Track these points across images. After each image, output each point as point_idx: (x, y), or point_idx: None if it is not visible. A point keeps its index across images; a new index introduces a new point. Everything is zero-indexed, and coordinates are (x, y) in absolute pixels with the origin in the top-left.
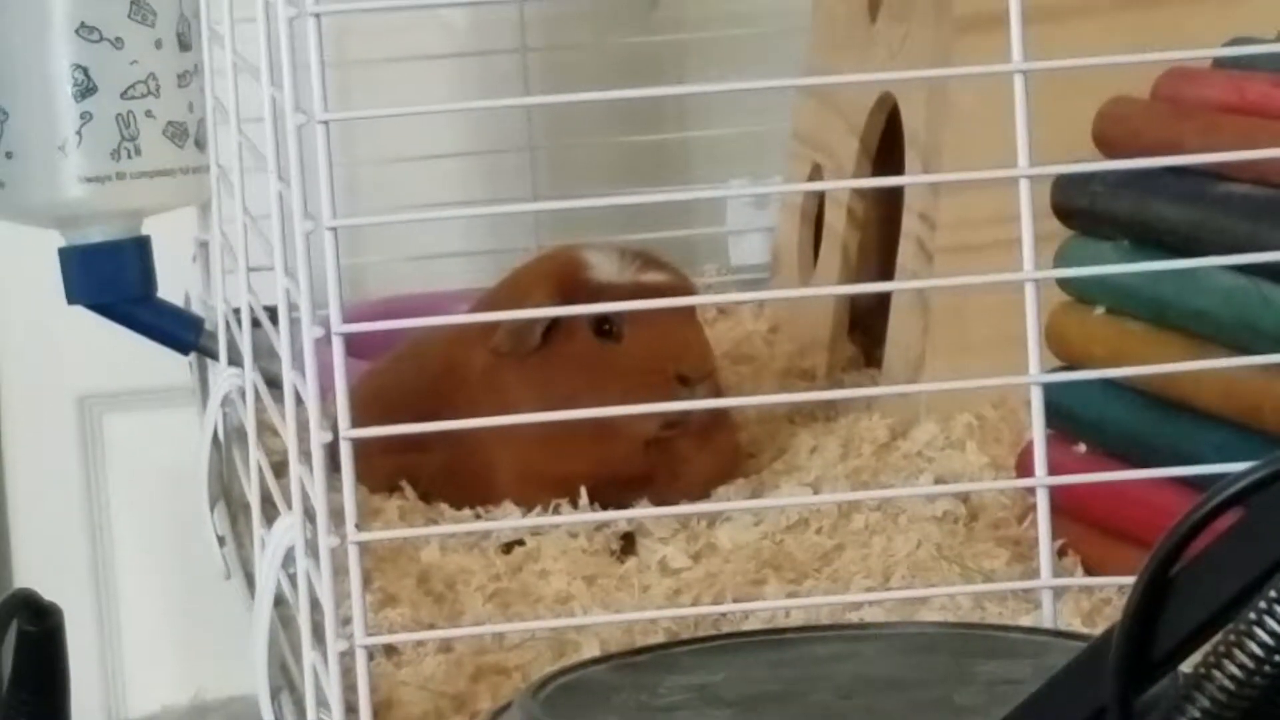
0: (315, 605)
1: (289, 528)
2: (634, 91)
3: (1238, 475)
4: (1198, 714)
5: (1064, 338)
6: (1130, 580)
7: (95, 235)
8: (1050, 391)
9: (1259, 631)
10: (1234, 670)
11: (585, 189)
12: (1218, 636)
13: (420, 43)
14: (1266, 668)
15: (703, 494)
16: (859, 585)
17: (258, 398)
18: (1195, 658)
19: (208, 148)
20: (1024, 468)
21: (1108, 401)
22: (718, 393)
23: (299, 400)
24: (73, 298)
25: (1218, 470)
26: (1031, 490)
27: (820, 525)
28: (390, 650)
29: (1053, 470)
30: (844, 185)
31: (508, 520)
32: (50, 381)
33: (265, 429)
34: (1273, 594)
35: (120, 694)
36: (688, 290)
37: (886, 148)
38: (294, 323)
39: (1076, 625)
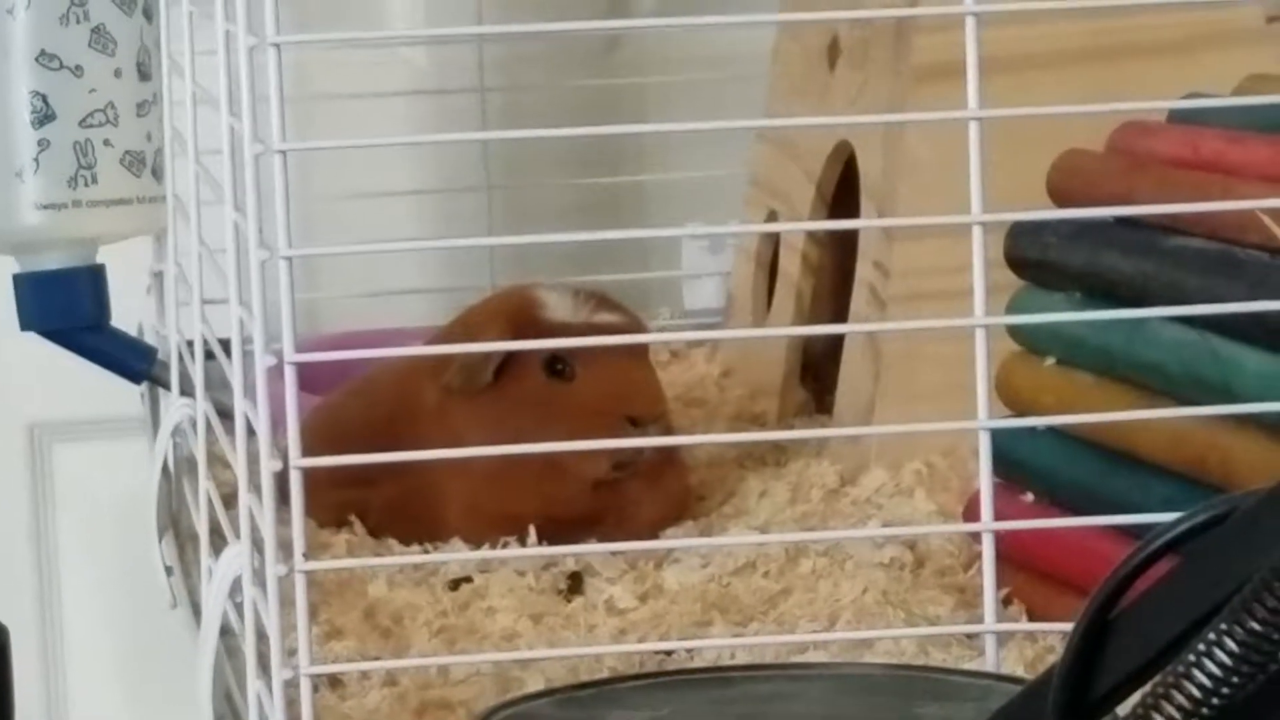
0: (261, 635)
1: (236, 556)
2: (591, 130)
3: (1174, 522)
4: None
5: (1014, 387)
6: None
7: (50, 262)
8: (998, 441)
9: (1196, 674)
10: (1171, 713)
11: (541, 230)
12: (1155, 679)
13: (381, 80)
14: (1203, 710)
15: (651, 536)
16: (805, 629)
17: (209, 428)
18: (1133, 700)
19: (165, 178)
20: (971, 515)
21: (1056, 451)
22: (668, 435)
23: (250, 430)
24: (26, 324)
25: (1161, 519)
26: (978, 538)
27: (767, 569)
28: (335, 683)
29: (999, 518)
30: (799, 228)
31: (456, 554)
32: (0, 409)
33: (215, 460)
34: (1209, 639)
35: None
36: (641, 332)
37: (842, 196)
38: (247, 352)
39: (1020, 672)
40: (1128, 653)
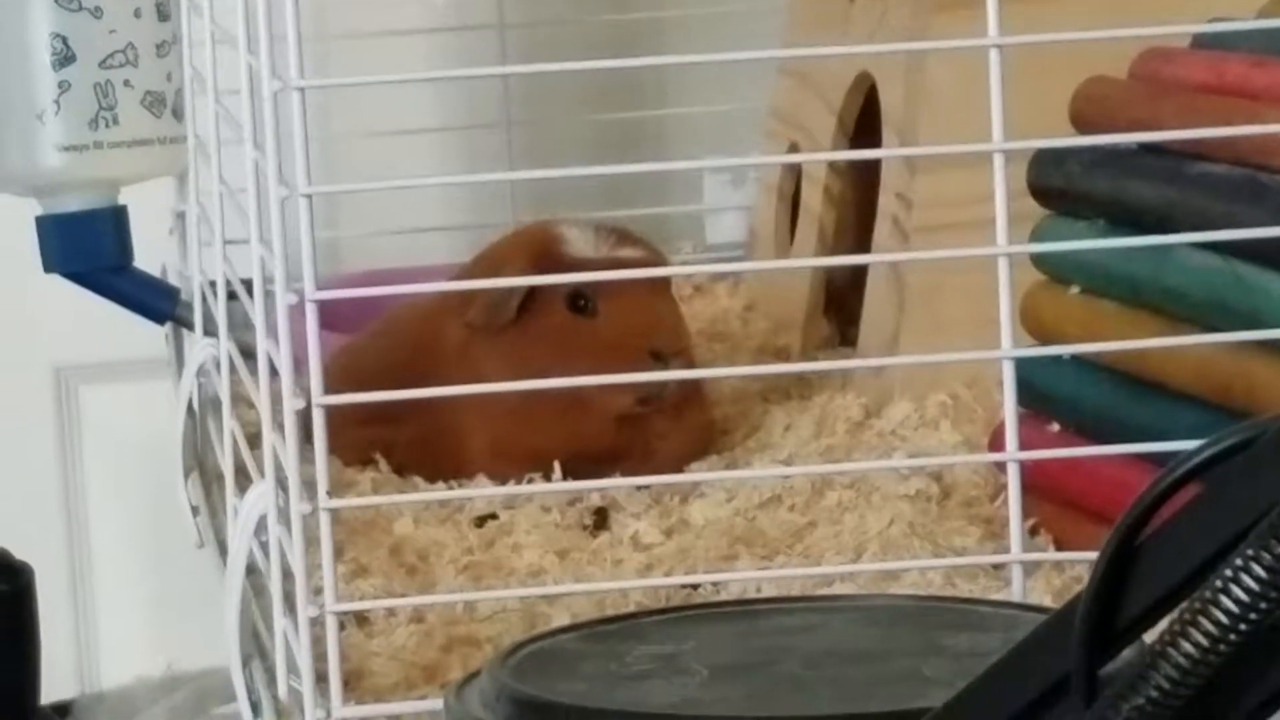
0: (287, 573)
1: (261, 495)
2: (610, 63)
3: (1198, 448)
4: (1162, 682)
5: (1039, 317)
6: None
7: (72, 204)
8: (1023, 371)
9: (1223, 599)
10: (1198, 639)
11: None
12: (1181, 606)
13: (399, 18)
14: (1230, 636)
15: (676, 470)
16: (831, 562)
17: (232, 368)
18: (1160, 627)
19: (185, 118)
20: (996, 446)
21: (1081, 381)
22: (692, 369)
23: (273, 369)
24: (49, 266)
25: (1187, 447)
26: (1003, 469)
27: (793, 502)
28: (362, 621)
29: (1024, 448)
30: (819, 158)
31: (481, 490)
32: (26, 352)
33: (240, 400)
34: (1235, 564)
35: (94, 663)
36: (663, 266)
37: (864, 127)
38: (268, 291)
39: (1047, 602)
40: (1153, 580)
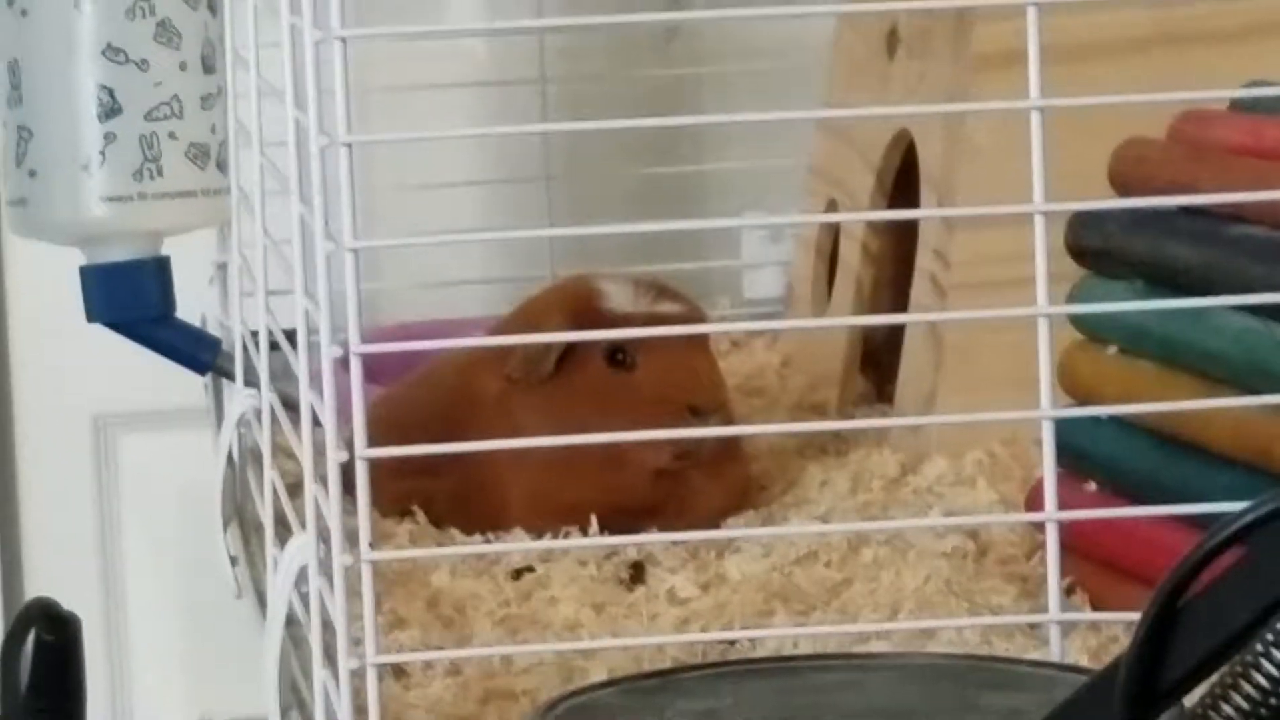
0: (327, 625)
1: (302, 546)
2: (650, 121)
3: (1240, 512)
4: None
5: (1076, 376)
6: (1137, 617)
7: (116, 254)
8: (1061, 430)
9: (1264, 664)
10: (1239, 703)
11: (601, 220)
12: (1223, 669)
13: (440, 72)
14: (1271, 701)
15: (712, 525)
16: (867, 619)
17: (273, 418)
18: (1200, 690)
19: (229, 170)
20: (1034, 504)
21: (1118, 441)
22: (729, 424)
23: (315, 420)
24: (92, 316)
25: (1225, 509)
26: (1040, 528)
27: (829, 558)
28: (399, 673)
29: (1062, 508)
30: (859, 218)
31: (518, 544)
32: (66, 400)
33: (279, 451)
34: (1276, 629)
35: (129, 714)
36: (701, 321)
37: (902, 185)
38: (312, 343)
39: (1084, 662)
40: (1195, 643)
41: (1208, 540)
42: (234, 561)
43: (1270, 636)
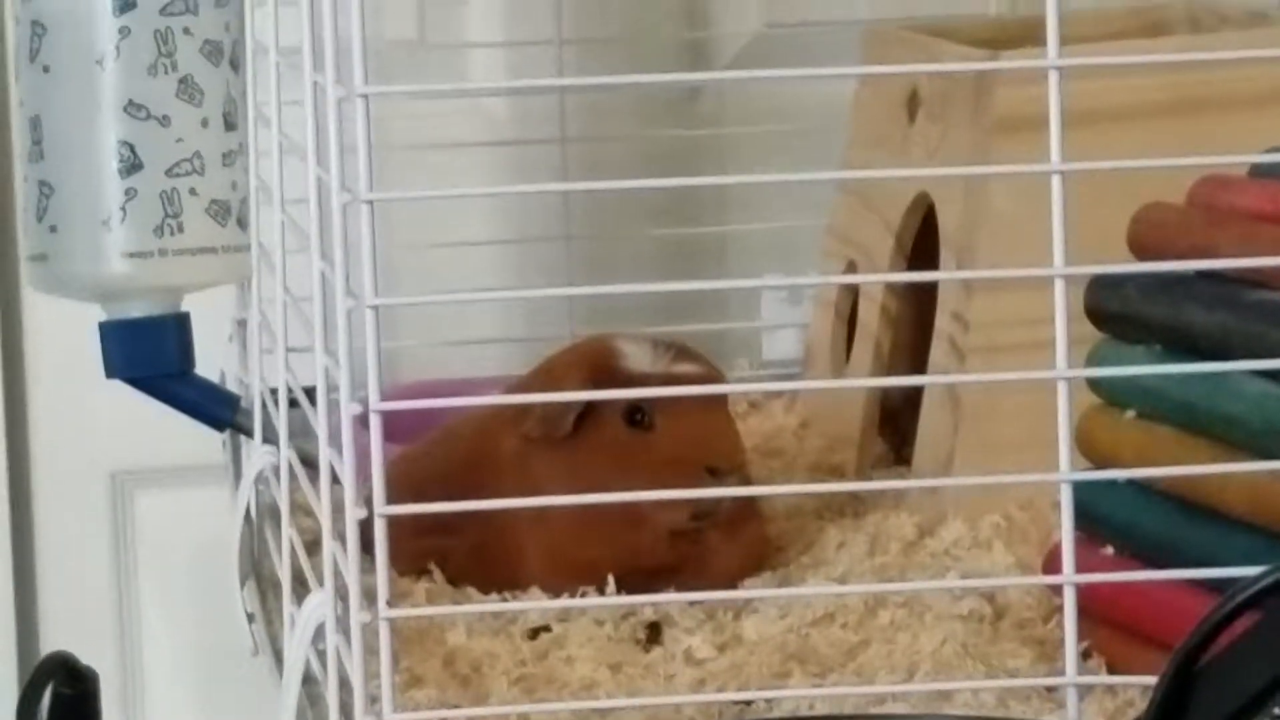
0: (344, 683)
1: (320, 604)
2: (671, 182)
3: (1258, 575)
4: None
5: (1093, 440)
6: (1154, 680)
7: (136, 310)
8: (1078, 494)
9: None
10: None
11: (621, 280)
12: None
13: (461, 130)
14: None
15: (730, 586)
16: (884, 681)
17: (292, 475)
18: None
19: (250, 227)
20: (1051, 568)
21: (1136, 505)
22: (747, 485)
23: (334, 478)
24: (111, 371)
25: (1242, 574)
26: (1058, 592)
27: (846, 620)
28: None
29: (1079, 571)
30: (878, 279)
31: (535, 603)
32: (84, 456)
33: (297, 508)
34: None
35: None
36: (720, 382)
37: (922, 248)
38: (332, 401)
39: None
40: (1212, 706)
41: (1224, 604)
42: (251, 619)
43: None
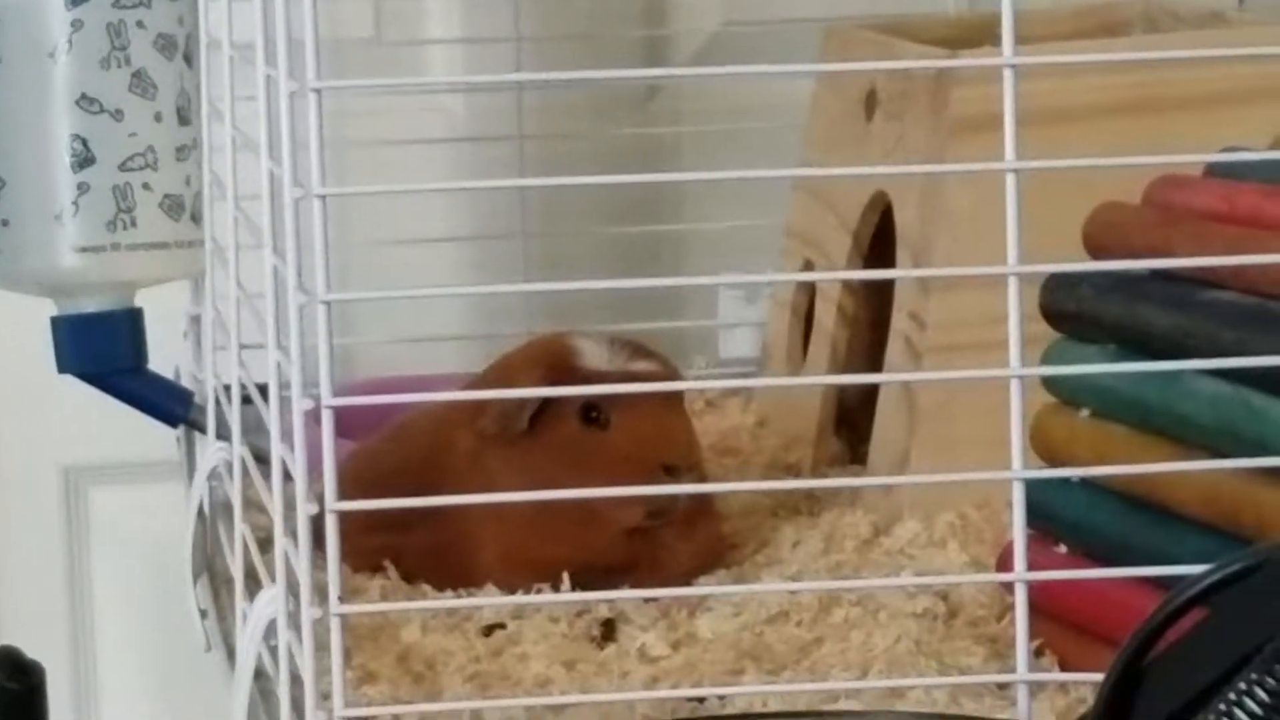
0: (295, 678)
1: (271, 599)
2: (628, 177)
3: (1204, 573)
4: None
5: (1048, 439)
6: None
7: (88, 305)
8: (1032, 492)
9: None
10: None
11: (578, 278)
12: None
13: (418, 128)
14: None
15: (684, 584)
16: (837, 678)
17: (245, 472)
18: None
19: (203, 222)
20: (1004, 566)
21: (1089, 504)
22: (703, 483)
23: (286, 474)
24: (63, 367)
25: (1194, 571)
26: (1010, 590)
27: (800, 618)
28: None
29: (1032, 569)
30: (834, 277)
31: (490, 599)
32: (36, 452)
33: (250, 504)
34: (1239, 689)
35: None
36: (676, 380)
37: (879, 247)
38: (284, 397)
39: None
40: (1158, 702)
41: (1171, 601)
42: (204, 615)
43: (1233, 696)
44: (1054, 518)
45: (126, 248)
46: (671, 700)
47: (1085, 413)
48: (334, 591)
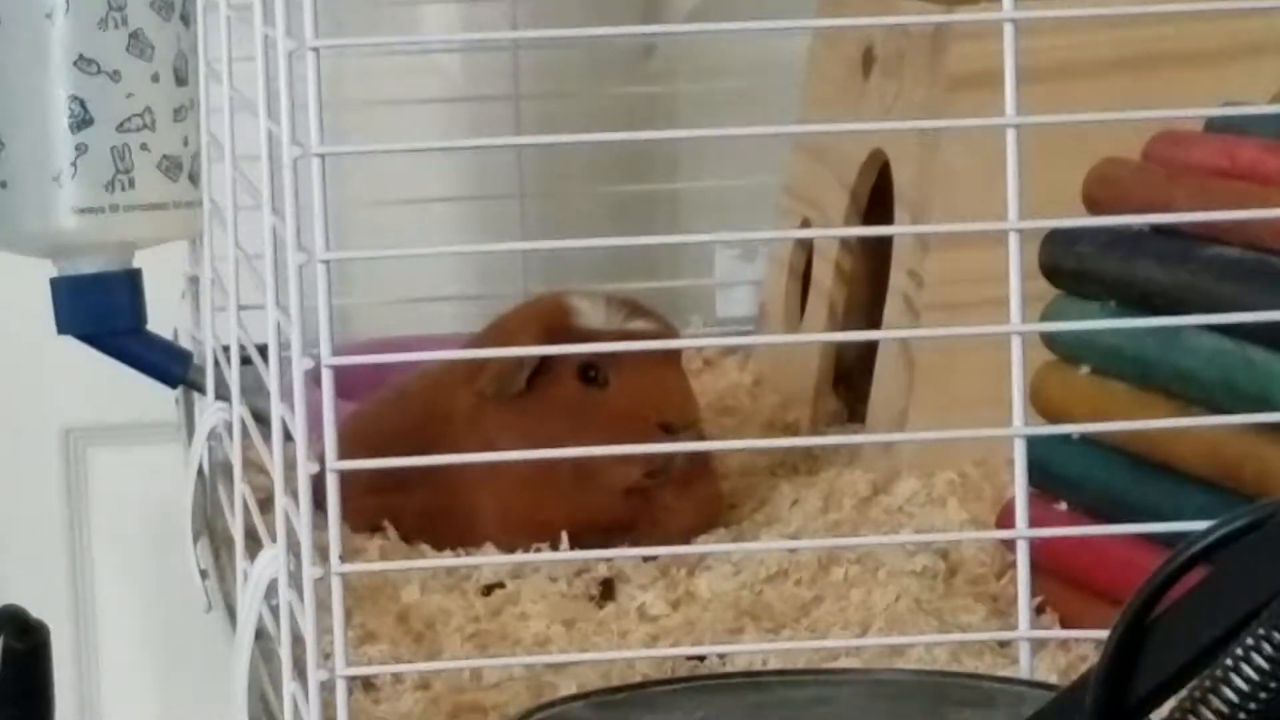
0: (296, 638)
1: (272, 559)
2: (624, 135)
3: (1209, 529)
4: None
5: (1048, 397)
6: (1107, 634)
7: (87, 266)
8: (1033, 450)
9: (1232, 678)
10: (1209, 717)
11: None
12: (1189, 686)
13: (415, 87)
14: (1238, 717)
15: (683, 543)
16: (837, 636)
17: (244, 432)
18: (1168, 706)
19: (201, 183)
20: (1004, 523)
21: (1090, 461)
22: (701, 442)
23: (286, 434)
24: (62, 328)
25: (1195, 528)
26: (1011, 547)
27: (799, 577)
28: (368, 687)
29: (1033, 527)
30: (832, 234)
31: (489, 558)
32: (36, 413)
33: (250, 465)
34: (1244, 645)
35: None
36: (674, 339)
37: (877, 205)
38: (284, 357)
39: (1053, 680)
40: (1163, 659)
41: (1175, 558)
42: (204, 575)
43: (1238, 652)
44: (1054, 474)
45: (125, 209)
46: (671, 659)
47: (1085, 370)
48: (335, 551)
